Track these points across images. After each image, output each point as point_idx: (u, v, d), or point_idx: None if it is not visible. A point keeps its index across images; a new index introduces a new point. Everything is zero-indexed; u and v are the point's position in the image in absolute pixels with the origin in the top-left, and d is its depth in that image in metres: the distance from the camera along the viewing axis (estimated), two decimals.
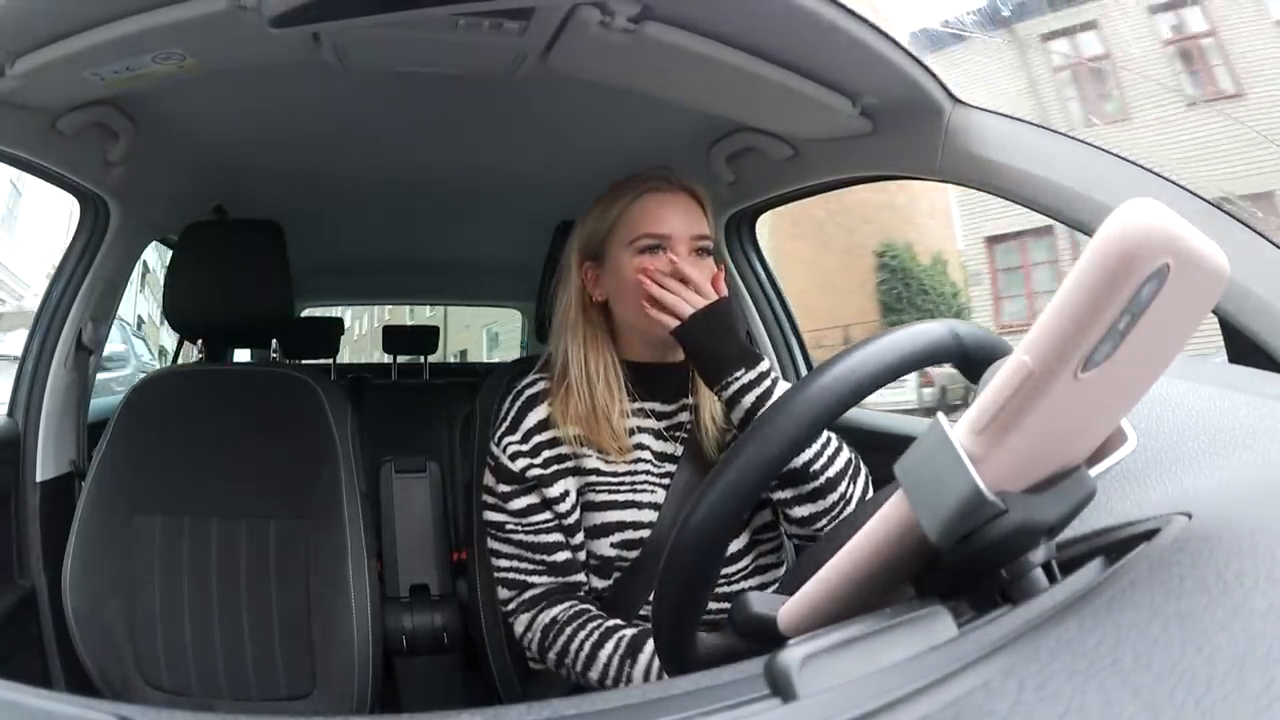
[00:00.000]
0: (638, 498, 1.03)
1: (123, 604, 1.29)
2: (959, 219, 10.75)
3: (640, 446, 1.04)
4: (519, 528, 1.03)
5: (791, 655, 0.35)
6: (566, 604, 1.01)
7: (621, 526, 1.02)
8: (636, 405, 1.05)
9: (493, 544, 1.06)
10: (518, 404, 1.07)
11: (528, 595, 1.02)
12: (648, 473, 1.04)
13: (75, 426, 1.50)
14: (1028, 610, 0.39)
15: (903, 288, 11.57)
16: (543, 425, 1.04)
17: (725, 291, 1.00)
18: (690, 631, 0.61)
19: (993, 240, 10.29)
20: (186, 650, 1.29)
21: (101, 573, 1.29)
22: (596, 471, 1.03)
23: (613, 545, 1.02)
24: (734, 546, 1.03)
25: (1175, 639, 0.33)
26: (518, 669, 1.20)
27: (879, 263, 11.64)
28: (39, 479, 1.41)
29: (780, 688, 0.34)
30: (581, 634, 0.97)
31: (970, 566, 0.41)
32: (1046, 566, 0.42)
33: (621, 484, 1.03)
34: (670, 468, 1.04)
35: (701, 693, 0.37)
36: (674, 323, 0.97)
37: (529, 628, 1.02)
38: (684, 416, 1.07)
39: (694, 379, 1.06)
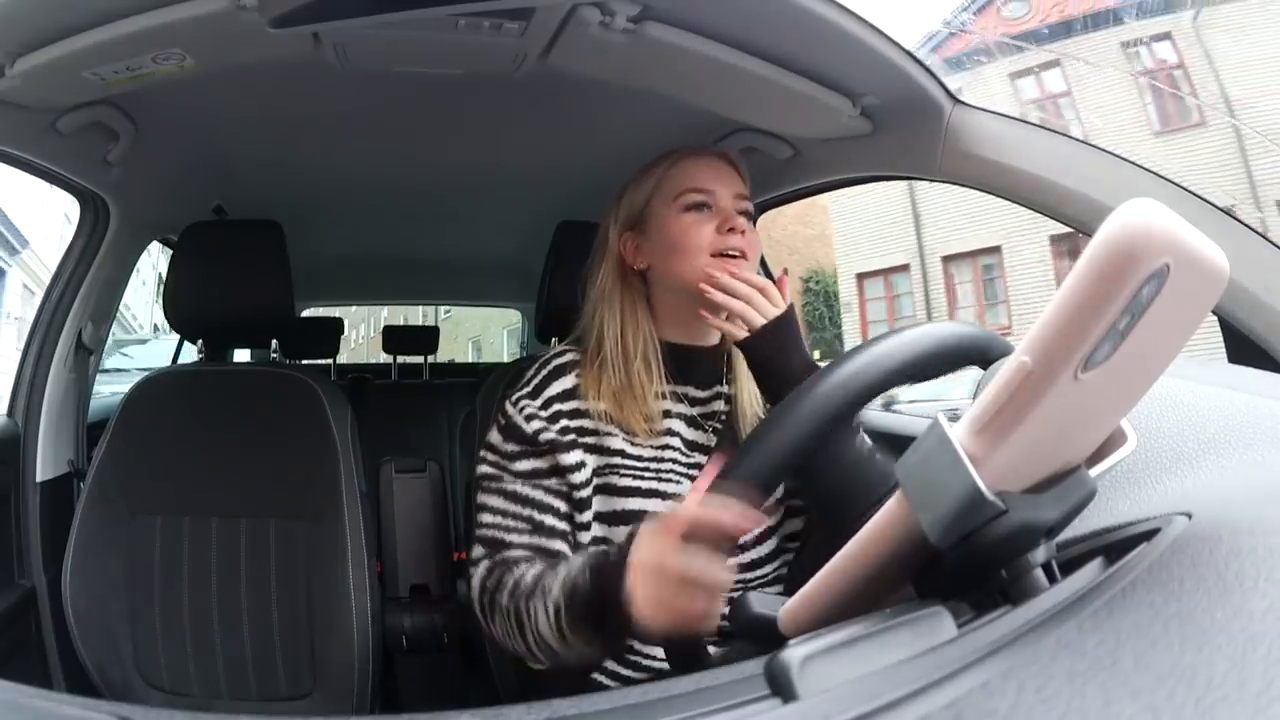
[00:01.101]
0: (662, 487, 0.96)
1: (123, 604, 1.29)
2: (839, 256, 13.29)
3: (670, 432, 0.98)
4: (516, 481, 0.95)
5: (792, 655, 0.35)
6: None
7: (642, 516, 0.93)
8: (670, 388, 0.99)
9: (481, 497, 0.98)
10: (543, 371, 1.00)
11: (500, 555, 0.93)
12: (675, 461, 0.97)
13: (75, 426, 1.50)
14: (1028, 610, 0.39)
15: (825, 309, 13.48)
16: (567, 395, 0.98)
17: (790, 298, 0.96)
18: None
19: (861, 276, 12.97)
20: (186, 650, 1.29)
21: (101, 573, 1.29)
22: (621, 454, 0.96)
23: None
24: (758, 552, 0.98)
25: (1175, 639, 0.33)
26: (517, 669, 1.20)
27: (804, 287, 13.61)
28: (39, 479, 1.41)
29: (780, 688, 0.34)
30: (525, 566, 0.89)
31: (970, 567, 0.41)
32: (1046, 567, 0.42)
33: (646, 470, 0.96)
34: (700, 459, 0.98)
35: (702, 693, 0.37)
36: (743, 333, 0.93)
37: (488, 573, 0.92)
38: (719, 405, 1.02)
39: (731, 365, 1.01)
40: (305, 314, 3.06)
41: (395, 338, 3.07)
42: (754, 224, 1.01)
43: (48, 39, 0.95)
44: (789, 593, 0.48)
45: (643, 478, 0.96)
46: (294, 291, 1.44)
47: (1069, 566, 0.43)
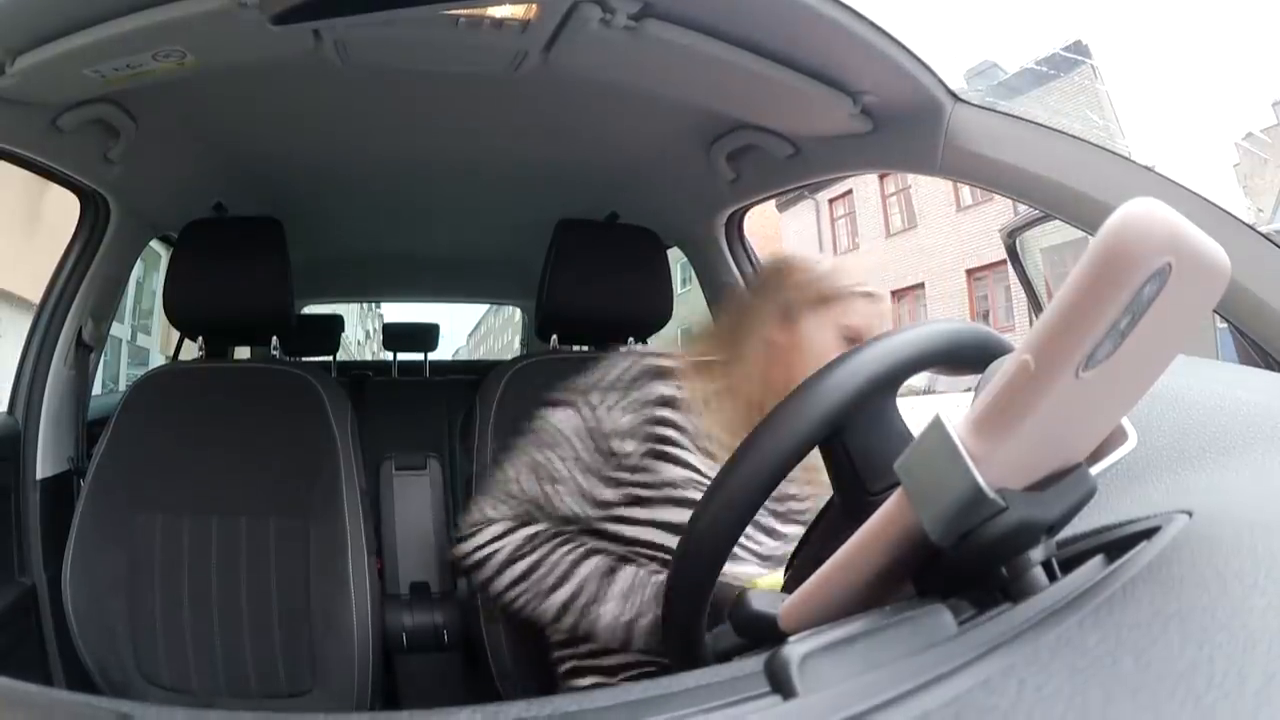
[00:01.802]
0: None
1: (123, 601, 1.29)
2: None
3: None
4: (575, 471, 0.99)
5: (792, 652, 0.35)
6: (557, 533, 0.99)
7: None
8: None
9: (529, 456, 1.01)
10: (636, 369, 1.02)
11: (524, 530, 0.99)
12: (742, 542, 0.98)
13: (75, 424, 1.50)
14: (1028, 608, 0.39)
15: None
16: (664, 402, 1.00)
17: None
18: (700, 619, 0.61)
19: None
20: (186, 647, 1.29)
21: (102, 570, 1.29)
22: (699, 470, 0.99)
23: None
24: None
25: (1175, 637, 0.33)
26: (518, 667, 1.20)
27: None
28: (39, 476, 1.41)
29: (780, 685, 0.34)
30: (565, 552, 0.95)
31: (970, 564, 0.41)
32: (1046, 564, 0.42)
33: None
34: (771, 544, 1.00)
35: (702, 689, 0.37)
36: None
37: (501, 537, 0.98)
38: (797, 504, 1.04)
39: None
40: (305, 311, 3.06)
41: (395, 335, 3.07)
42: None
43: (48, 36, 0.95)
44: (789, 590, 0.48)
45: None
46: (294, 289, 1.44)
47: (1069, 564, 0.43)
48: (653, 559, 0.98)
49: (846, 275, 1.04)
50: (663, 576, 0.93)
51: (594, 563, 0.96)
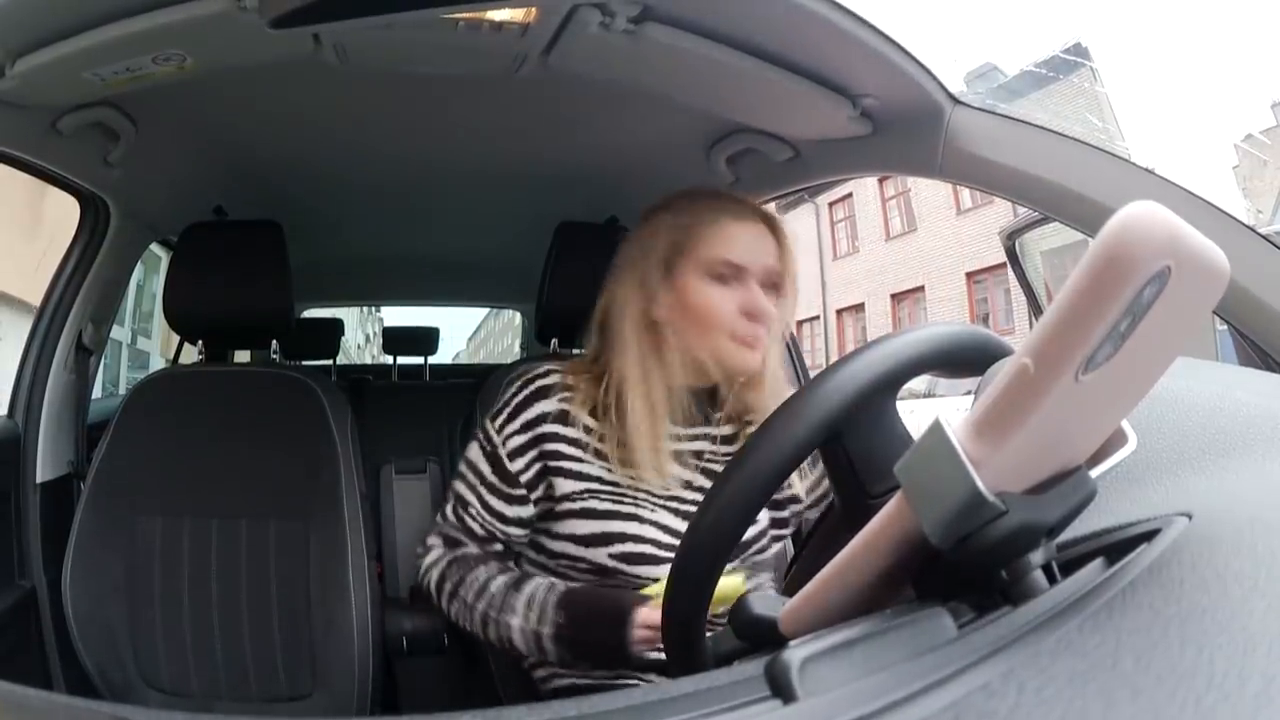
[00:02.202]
0: (639, 512, 0.99)
1: (123, 605, 1.29)
2: None
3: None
4: (488, 495, 1.03)
5: (792, 656, 0.35)
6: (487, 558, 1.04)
7: (623, 538, 0.98)
8: (674, 430, 1.01)
9: (453, 489, 1.07)
10: (525, 392, 1.03)
11: (458, 553, 1.04)
12: (650, 492, 1.00)
13: (75, 428, 1.50)
14: (1028, 611, 0.39)
15: None
16: (550, 418, 1.01)
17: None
18: (699, 630, 0.61)
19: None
20: (186, 651, 1.29)
21: (101, 574, 1.29)
22: (599, 479, 1.00)
23: (611, 556, 0.98)
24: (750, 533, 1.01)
25: (1175, 640, 0.33)
26: (518, 672, 1.20)
27: None
28: (39, 480, 1.41)
29: (780, 689, 0.34)
30: (484, 568, 1.00)
31: (970, 567, 0.41)
32: (1046, 567, 0.42)
33: (625, 495, 1.00)
34: (679, 490, 1.01)
35: (702, 694, 0.37)
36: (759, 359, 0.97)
37: (437, 561, 1.04)
38: (702, 444, 1.04)
39: (728, 406, 1.03)
40: (305, 315, 3.06)
41: (395, 339, 3.07)
42: (783, 288, 1.01)
43: (48, 39, 0.95)
44: (789, 594, 0.48)
45: (621, 502, 1.00)
46: (294, 292, 1.45)
47: (1069, 567, 0.43)
48: (572, 569, 1.01)
49: (700, 211, 1.00)
50: (564, 586, 0.98)
51: (504, 578, 0.99)
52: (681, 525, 0.98)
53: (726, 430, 1.05)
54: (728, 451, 1.04)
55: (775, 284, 1.00)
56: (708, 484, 0.97)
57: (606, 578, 1.00)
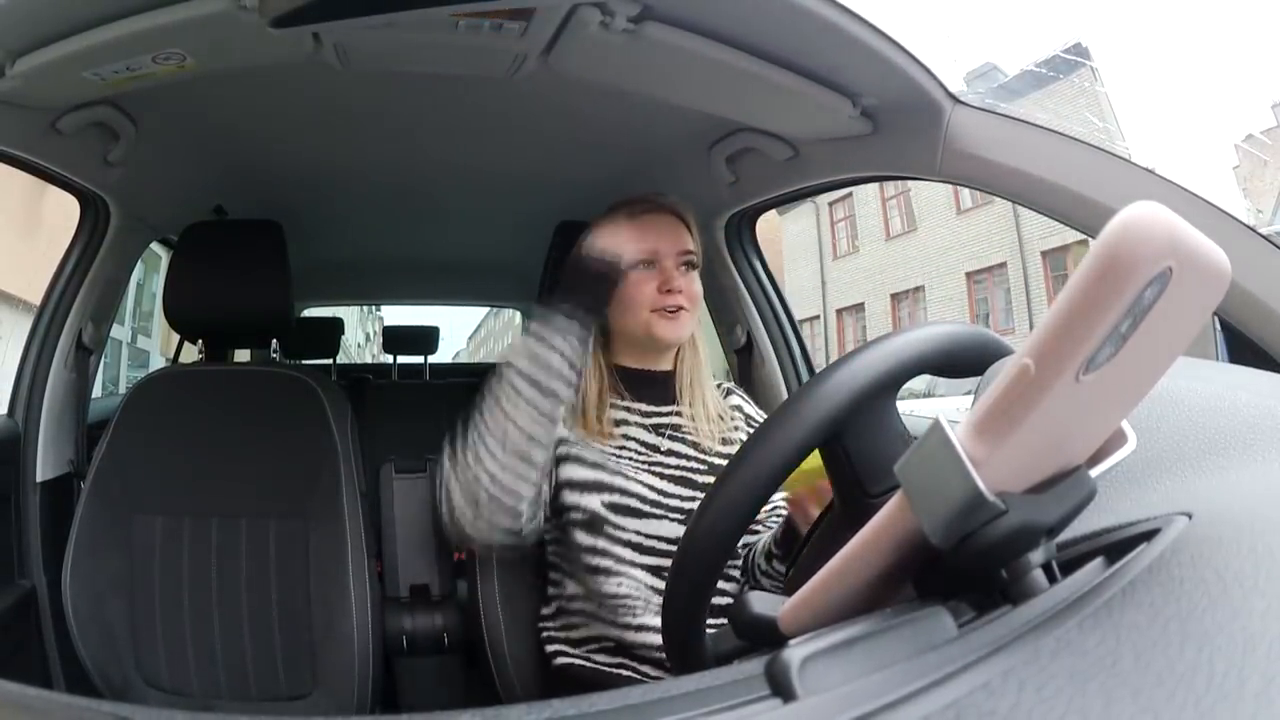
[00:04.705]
0: (624, 469, 1.08)
1: (123, 604, 1.29)
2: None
3: (627, 436, 1.10)
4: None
5: (792, 655, 0.35)
6: None
7: (612, 489, 1.06)
8: (625, 404, 1.12)
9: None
10: None
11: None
12: (632, 457, 1.09)
13: (75, 427, 1.50)
14: (1028, 610, 0.39)
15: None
16: None
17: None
18: (699, 623, 0.61)
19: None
20: (186, 650, 1.29)
21: (101, 573, 1.29)
22: (582, 444, 1.09)
23: (604, 505, 1.06)
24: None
25: (1175, 639, 0.33)
26: (518, 670, 1.20)
27: None
28: (39, 479, 1.41)
29: (781, 688, 0.34)
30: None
31: (970, 567, 0.41)
32: (1047, 567, 0.42)
33: (609, 455, 1.08)
34: (659, 456, 1.10)
35: (702, 693, 0.37)
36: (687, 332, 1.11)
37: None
38: (674, 419, 1.13)
39: (683, 387, 1.14)
40: (305, 314, 3.07)
41: (395, 338, 3.07)
42: (697, 269, 1.14)
43: (48, 39, 0.95)
44: (789, 592, 0.48)
45: (606, 458, 1.08)
46: (294, 291, 1.45)
47: (1069, 566, 0.43)
48: (570, 522, 1.08)
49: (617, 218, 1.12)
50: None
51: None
52: (663, 485, 1.08)
53: (685, 407, 1.15)
54: (692, 426, 1.13)
55: (690, 264, 1.12)
56: (689, 451, 1.11)
57: (595, 531, 1.06)
